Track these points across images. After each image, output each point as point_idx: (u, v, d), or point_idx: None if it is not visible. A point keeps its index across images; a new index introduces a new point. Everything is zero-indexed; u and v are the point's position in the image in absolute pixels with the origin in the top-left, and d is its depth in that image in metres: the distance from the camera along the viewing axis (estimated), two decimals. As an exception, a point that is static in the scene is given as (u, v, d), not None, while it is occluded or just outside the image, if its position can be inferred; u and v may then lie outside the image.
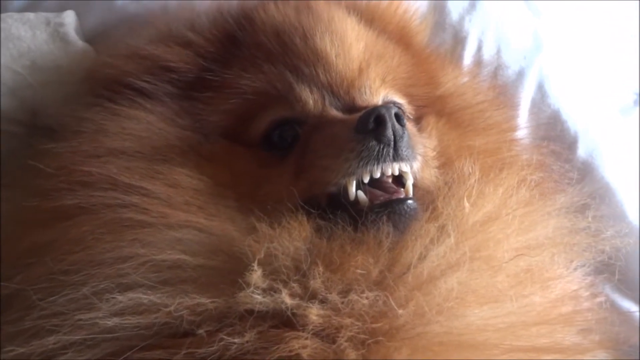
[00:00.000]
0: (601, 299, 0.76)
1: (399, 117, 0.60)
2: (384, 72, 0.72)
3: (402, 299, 0.53)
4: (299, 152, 0.64)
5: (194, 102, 0.69)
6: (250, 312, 0.53)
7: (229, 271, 0.55)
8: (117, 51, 0.74)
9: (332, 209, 0.59)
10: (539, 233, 0.64)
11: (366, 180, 0.59)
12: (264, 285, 0.54)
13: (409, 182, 0.61)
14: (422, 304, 0.52)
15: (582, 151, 0.91)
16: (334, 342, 0.51)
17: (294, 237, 0.57)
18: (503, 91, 0.91)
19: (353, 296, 0.52)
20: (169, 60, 0.70)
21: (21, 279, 0.58)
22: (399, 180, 0.62)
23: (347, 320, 0.52)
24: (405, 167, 0.61)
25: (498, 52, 0.94)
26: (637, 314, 0.87)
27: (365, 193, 0.59)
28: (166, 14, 0.80)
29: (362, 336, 0.52)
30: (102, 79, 0.71)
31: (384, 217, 0.57)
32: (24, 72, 0.72)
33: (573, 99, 0.96)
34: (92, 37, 0.81)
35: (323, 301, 0.53)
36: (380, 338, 0.52)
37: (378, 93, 0.70)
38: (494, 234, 0.59)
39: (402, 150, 0.60)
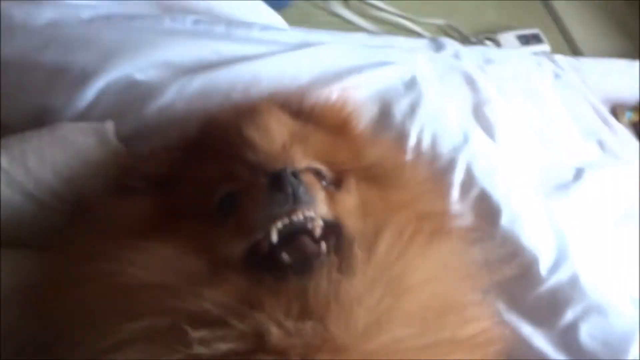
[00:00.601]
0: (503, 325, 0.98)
1: (295, 174, 0.77)
2: (305, 148, 0.88)
3: (333, 322, 0.69)
4: (236, 212, 0.82)
5: (166, 195, 0.90)
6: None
7: (175, 329, 0.68)
8: (122, 159, 0.99)
9: (263, 265, 0.76)
10: (439, 265, 0.82)
11: (279, 226, 0.76)
12: (203, 339, 0.66)
13: (319, 222, 0.78)
14: (349, 326, 0.68)
15: (504, 220, 1.12)
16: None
17: (224, 290, 0.71)
18: (438, 175, 1.15)
19: (299, 324, 0.68)
20: (145, 170, 0.93)
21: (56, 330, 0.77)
22: (325, 239, 0.79)
23: (297, 343, 0.66)
24: (307, 212, 0.77)
25: (433, 144, 1.19)
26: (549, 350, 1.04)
27: (289, 254, 0.76)
28: (180, 125, 1.06)
29: (309, 354, 0.65)
30: (111, 178, 0.96)
31: (300, 269, 0.73)
32: (78, 166, 0.97)
33: (496, 178, 1.18)
34: (124, 140, 1.06)
35: (276, 327, 0.67)
36: (323, 356, 0.64)
37: (301, 163, 0.84)
38: (401, 268, 0.77)
39: (300, 197, 0.76)
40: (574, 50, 2.84)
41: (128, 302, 0.74)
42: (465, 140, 1.22)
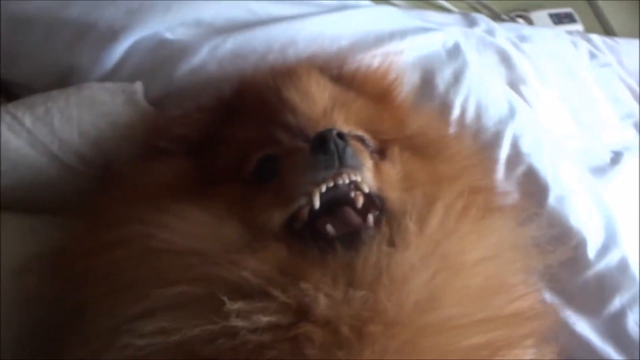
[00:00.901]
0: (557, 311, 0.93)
1: (341, 136, 0.72)
2: (347, 114, 0.84)
3: (384, 295, 0.64)
4: (276, 177, 0.78)
5: (202, 157, 0.86)
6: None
7: (211, 299, 0.64)
8: (152, 121, 0.94)
9: (305, 235, 0.72)
10: (494, 244, 0.77)
11: (323, 189, 0.71)
12: (240, 310, 0.62)
13: (364, 189, 0.74)
14: (401, 300, 0.64)
15: (551, 199, 1.07)
16: (337, 332, 0.63)
17: (264, 260, 0.67)
18: (483, 149, 1.08)
19: (349, 293, 0.64)
20: (179, 131, 0.89)
21: (80, 297, 0.72)
22: (366, 211, 0.75)
23: (346, 313, 0.63)
24: (354, 176, 0.72)
25: (478, 116, 1.12)
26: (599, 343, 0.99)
27: (334, 227, 0.72)
28: (211, 88, 1.00)
29: (359, 326, 0.62)
30: (140, 140, 0.91)
31: (347, 243, 0.69)
32: (105, 128, 0.92)
33: (544, 155, 1.12)
34: (155, 103, 1.01)
35: (326, 297, 0.64)
36: (375, 328, 0.63)
37: (342, 129, 0.78)
38: (454, 244, 0.73)
39: (347, 160, 0.71)
40: (607, 30, 2.74)
41: (160, 268, 0.69)
42: (512, 113, 1.15)
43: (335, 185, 0.72)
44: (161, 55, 1.04)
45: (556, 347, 0.77)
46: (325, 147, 0.71)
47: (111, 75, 1.03)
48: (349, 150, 0.72)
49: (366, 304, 0.63)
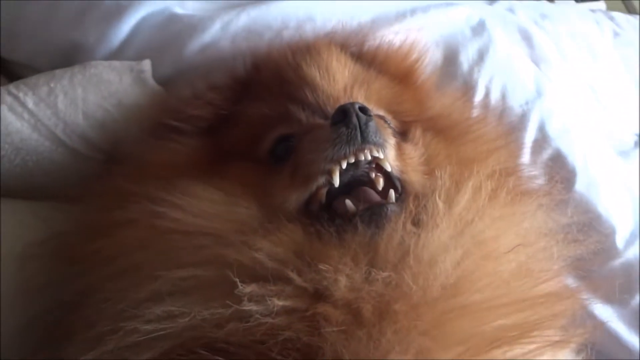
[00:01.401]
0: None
1: (364, 110, 0.68)
2: (368, 92, 0.81)
3: (410, 277, 0.61)
4: (293, 156, 0.74)
5: (215, 136, 0.82)
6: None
7: (223, 282, 0.61)
8: (162, 101, 0.89)
9: (322, 215, 0.68)
10: (525, 230, 0.73)
11: (344, 165, 0.67)
12: (253, 294, 0.59)
13: (387, 168, 0.70)
14: (428, 283, 0.61)
15: (579, 185, 1.01)
16: (357, 312, 0.59)
17: (279, 242, 0.64)
18: (508, 132, 1.02)
19: (371, 274, 0.61)
20: (192, 112, 0.84)
21: (84, 283, 0.68)
22: (385, 191, 0.71)
23: (368, 294, 0.59)
24: (376, 152, 0.68)
25: (503, 97, 1.06)
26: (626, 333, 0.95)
27: (353, 203, 0.67)
28: (224, 66, 0.94)
29: (381, 306, 0.59)
30: (149, 120, 0.86)
31: (368, 219, 0.65)
32: (112, 109, 0.87)
33: (572, 138, 1.06)
34: (163, 82, 0.96)
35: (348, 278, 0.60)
36: (399, 307, 0.59)
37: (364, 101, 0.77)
38: (484, 228, 0.68)
39: (370, 136, 0.68)
40: (629, 8, 2.66)
41: (169, 250, 0.65)
42: (539, 94, 1.08)
43: (356, 163, 0.68)
44: (170, 32, 0.98)
45: (583, 332, 0.72)
46: (347, 121, 0.68)
47: (118, 54, 0.98)
48: (372, 125, 0.69)
49: (390, 286, 0.60)
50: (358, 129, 0.67)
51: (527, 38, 1.31)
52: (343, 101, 0.77)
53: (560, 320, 0.69)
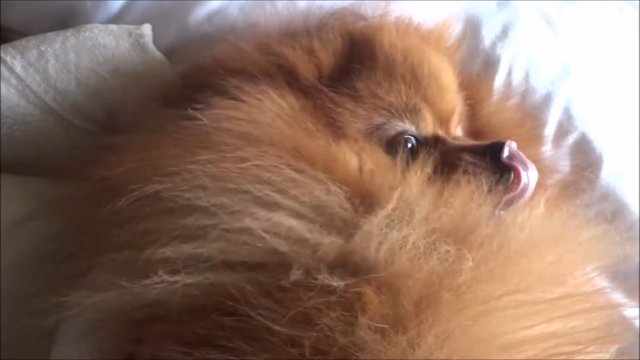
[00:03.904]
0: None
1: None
2: (460, 112, 0.82)
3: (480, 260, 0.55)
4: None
5: (323, 101, 0.73)
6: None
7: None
8: (247, 42, 0.78)
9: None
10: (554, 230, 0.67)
11: None
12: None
13: None
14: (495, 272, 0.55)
15: (606, 171, 0.92)
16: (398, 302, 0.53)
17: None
18: (528, 111, 0.94)
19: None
20: (295, 65, 0.74)
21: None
22: None
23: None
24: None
25: (527, 76, 0.96)
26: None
27: None
28: (234, 36, 0.83)
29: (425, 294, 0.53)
30: (230, 67, 0.74)
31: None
32: (107, 76, 0.78)
33: (599, 122, 0.97)
34: (166, 51, 0.86)
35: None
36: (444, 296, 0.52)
37: (455, 128, 0.80)
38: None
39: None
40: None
41: None
42: (566, 73, 0.98)
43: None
44: (173, -2, 0.88)
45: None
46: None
47: (117, 19, 0.88)
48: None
49: (445, 263, 0.54)
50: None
51: (549, 22, 1.21)
52: (451, 120, 0.79)
53: (610, 330, 0.62)
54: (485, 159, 0.70)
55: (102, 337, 0.61)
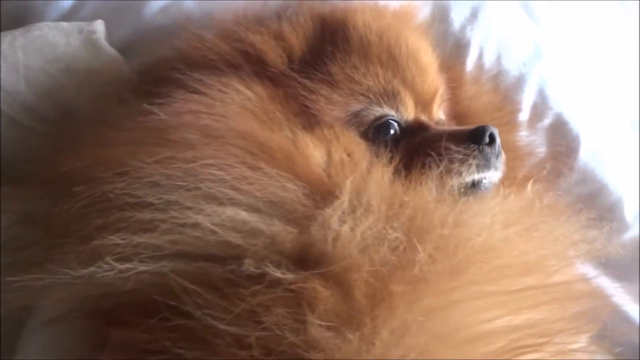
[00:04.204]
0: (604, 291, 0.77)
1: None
2: (442, 94, 0.80)
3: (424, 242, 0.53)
4: (404, 151, 0.69)
5: (295, 89, 0.71)
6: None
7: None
8: (207, 32, 0.75)
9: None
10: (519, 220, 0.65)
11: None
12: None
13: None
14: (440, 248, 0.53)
15: (584, 152, 0.91)
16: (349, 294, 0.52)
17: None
18: (504, 94, 0.92)
19: None
20: (262, 51, 0.71)
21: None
22: None
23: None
24: (495, 176, 0.71)
25: (498, 59, 0.94)
26: (636, 312, 0.85)
27: None
28: (193, 26, 0.81)
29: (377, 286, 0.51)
30: (191, 59, 0.71)
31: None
32: (58, 74, 0.75)
33: (575, 103, 0.94)
34: (121, 47, 0.83)
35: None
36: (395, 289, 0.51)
37: (437, 111, 0.78)
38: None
39: (497, 163, 0.71)
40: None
41: None
42: (538, 55, 0.95)
43: None
44: (127, -10, 0.85)
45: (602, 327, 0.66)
46: (493, 147, 0.70)
47: (70, 16, 0.85)
48: (500, 152, 0.72)
49: (396, 251, 0.52)
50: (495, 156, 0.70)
51: (524, 5, 1.19)
52: (433, 102, 0.77)
53: (585, 321, 0.61)
54: (468, 144, 0.69)
55: (66, 327, 0.61)
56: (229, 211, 0.53)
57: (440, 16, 0.95)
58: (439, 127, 0.74)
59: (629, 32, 1.34)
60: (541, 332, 0.54)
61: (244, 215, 0.53)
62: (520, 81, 0.94)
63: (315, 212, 0.54)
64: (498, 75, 0.94)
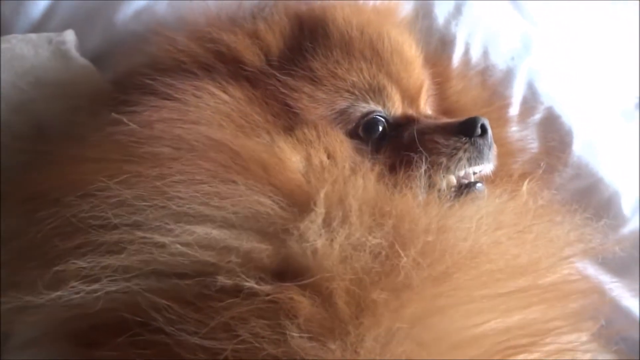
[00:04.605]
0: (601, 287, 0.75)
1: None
2: (428, 88, 0.78)
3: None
4: (395, 148, 0.68)
5: (275, 87, 0.68)
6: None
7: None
8: (179, 33, 0.72)
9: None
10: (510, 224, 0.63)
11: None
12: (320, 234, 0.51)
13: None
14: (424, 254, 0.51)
15: (577, 145, 0.88)
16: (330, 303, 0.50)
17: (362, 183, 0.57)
18: (493, 89, 0.89)
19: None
20: (237, 50, 0.69)
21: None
22: None
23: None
24: (488, 168, 0.69)
25: (485, 53, 0.91)
26: (637, 307, 0.84)
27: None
28: (165, 29, 0.78)
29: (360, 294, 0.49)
30: (161, 64, 0.69)
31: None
32: (28, 88, 0.72)
33: (566, 96, 0.92)
34: (94, 56, 0.81)
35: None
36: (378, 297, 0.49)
37: (424, 106, 0.76)
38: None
39: (490, 154, 0.69)
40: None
41: None
42: (526, 47, 0.93)
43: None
44: (97, -4, 0.82)
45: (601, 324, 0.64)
46: (485, 138, 0.68)
47: (41, 26, 0.83)
48: (492, 144, 0.70)
49: (378, 258, 0.51)
50: (488, 147, 0.68)
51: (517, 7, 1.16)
52: (419, 96, 0.75)
53: (579, 319, 0.59)
54: (459, 137, 0.67)
55: (42, 351, 0.59)
56: (200, 230, 0.51)
57: (424, 12, 0.92)
58: (428, 120, 0.72)
59: (616, 21, 1.32)
60: (533, 332, 0.52)
61: (216, 233, 0.51)
62: (508, 75, 0.92)
63: (292, 225, 0.52)
64: (486, 70, 0.91)
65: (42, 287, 0.50)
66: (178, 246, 0.50)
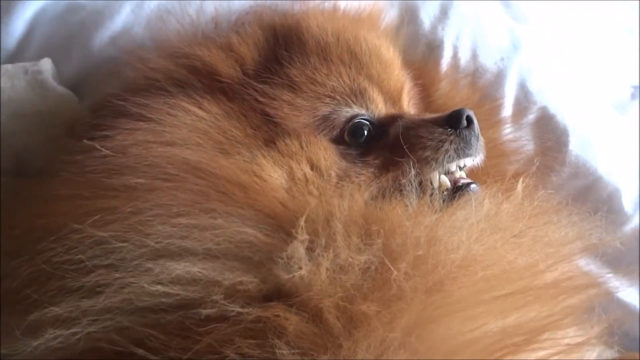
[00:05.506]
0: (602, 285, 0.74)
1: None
2: (409, 90, 0.78)
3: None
4: (383, 149, 0.67)
5: (253, 98, 0.66)
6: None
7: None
8: (151, 52, 0.72)
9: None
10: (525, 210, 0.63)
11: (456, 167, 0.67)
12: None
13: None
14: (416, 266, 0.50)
15: (573, 144, 0.87)
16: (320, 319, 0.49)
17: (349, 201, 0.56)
18: (483, 91, 0.88)
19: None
20: (211, 64, 0.68)
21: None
22: None
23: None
24: (477, 159, 0.69)
25: (474, 56, 0.90)
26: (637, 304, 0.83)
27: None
28: (143, 51, 0.77)
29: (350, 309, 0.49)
30: (133, 84, 0.68)
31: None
32: (6, 121, 0.70)
33: (559, 93, 0.91)
34: (72, 83, 0.79)
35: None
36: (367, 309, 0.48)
37: (408, 107, 0.76)
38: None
39: (478, 146, 0.68)
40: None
41: None
42: (516, 47, 0.91)
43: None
44: (72, 22, 0.80)
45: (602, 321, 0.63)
46: (471, 129, 0.68)
47: (17, 55, 0.80)
48: (479, 135, 0.69)
49: (368, 272, 0.50)
50: (475, 138, 0.68)
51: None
52: (401, 97, 0.74)
53: (577, 315, 0.58)
54: (445, 128, 0.67)
55: None
56: (181, 267, 0.49)
57: (409, 17, 0.90)
58: (413, 116, 0.71)
59: (603, 13, 1.31)
60: (529, 330, 0.51)
61: (197, 268, 0.49)
62: (499, 77, 0.90)
63: (276, 253, 0.50)
64: (475, 73, 0.89)
65: (19, 335, 0.48)
66: (159, 287, 0.48)
